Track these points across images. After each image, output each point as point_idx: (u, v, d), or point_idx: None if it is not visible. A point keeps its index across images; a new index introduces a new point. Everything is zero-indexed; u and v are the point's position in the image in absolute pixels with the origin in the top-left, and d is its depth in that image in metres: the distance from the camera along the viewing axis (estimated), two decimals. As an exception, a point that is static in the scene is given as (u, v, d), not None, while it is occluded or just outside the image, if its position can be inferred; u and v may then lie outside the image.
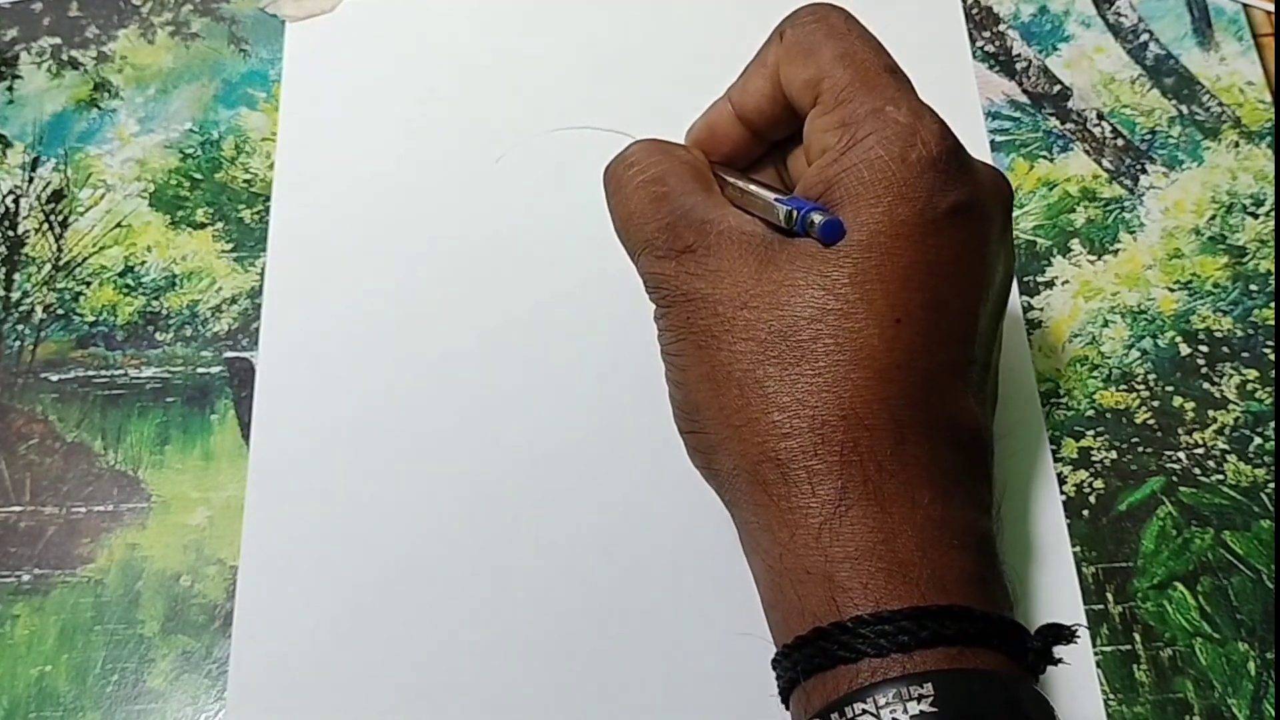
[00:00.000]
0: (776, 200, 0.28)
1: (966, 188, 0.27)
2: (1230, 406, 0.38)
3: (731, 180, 0.31)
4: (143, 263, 0.43)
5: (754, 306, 0.27)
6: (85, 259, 0.43)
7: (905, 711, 0.23)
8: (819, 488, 0.26)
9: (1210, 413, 0.38)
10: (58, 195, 0.44)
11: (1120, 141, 0.43)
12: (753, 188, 0.30)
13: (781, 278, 0.27)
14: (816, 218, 0.26)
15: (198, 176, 0.44)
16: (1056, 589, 0.36)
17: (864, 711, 0.23)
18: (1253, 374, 0.39)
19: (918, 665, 0.24)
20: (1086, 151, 0.43)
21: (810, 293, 0.26)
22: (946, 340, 0.27)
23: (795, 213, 0.27)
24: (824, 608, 0.25)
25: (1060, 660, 0.26)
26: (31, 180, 0.44)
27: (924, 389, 0.26)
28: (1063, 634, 0.26)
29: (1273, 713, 0.34)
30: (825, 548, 0.25)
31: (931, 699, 0.23)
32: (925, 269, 0.26)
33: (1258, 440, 0.38)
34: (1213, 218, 0.41)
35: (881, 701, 0.23)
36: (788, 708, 0.27)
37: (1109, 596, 0.36)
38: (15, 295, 0.42)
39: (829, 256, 0.26)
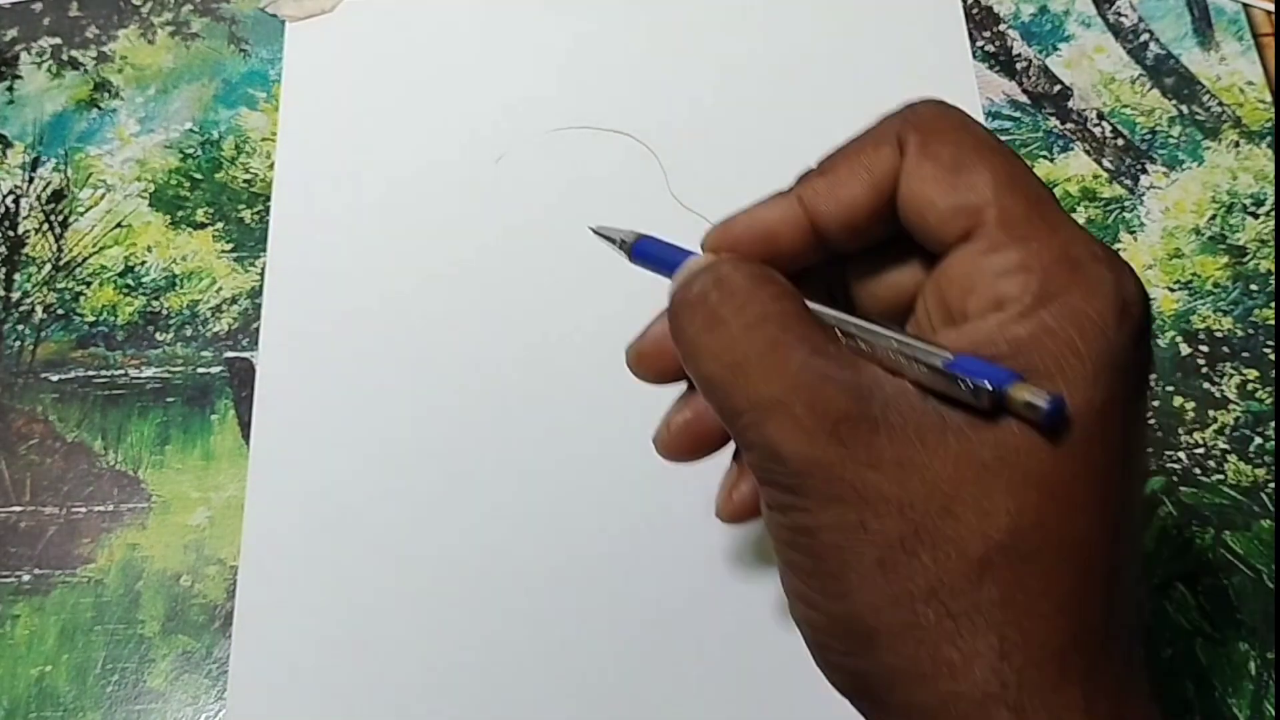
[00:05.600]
0: (955, 368, 0.21)
1: (1151, 347, 0.23)
2: (1230, 406, 0.38)
3: (856, 324, 0.24)
4: (143, 263, 0.43)
5: (958, 514, 0.21)
6: (85, 259, 0.43)
7: None
8: None
9: (1210, 413, 0.38)
10: (58, 195, 0.44)
11: (1120, 141, 0.43)
12: (905, 340, 0.23)
13: (991, 475, 0.21)
14: (1034, 400, 0.21)
15: (198, 176, 0.44)
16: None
17: None
18: (1253, 374, 0.39)
19: None
20: (1086, 151, 0.43)
21: (1031, 494, 0.21)
22: (1142, 522, 0.25)
23: (995, 389, 0.21)
24: None
25: None
26: (31, 180, 0.44)
27: (1134, 583, 0.23)
28: None
29: (1273, 713, 0.34)
30: None
31: None
32: (1135, 453, 0.23)
33: (1258, 440, 0.38)
34: (1213, 218, 0.41)
35: None
36: None
37: (1109, 596, 0.36)
38: (15, 295, 0.42)
39: (1043, 447, 0.21)
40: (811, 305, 0.24)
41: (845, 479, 0.22)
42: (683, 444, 0.28)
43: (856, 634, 0.22)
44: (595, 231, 0.31)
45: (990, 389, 0.21)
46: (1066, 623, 0.21)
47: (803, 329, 0.23)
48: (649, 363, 0.28)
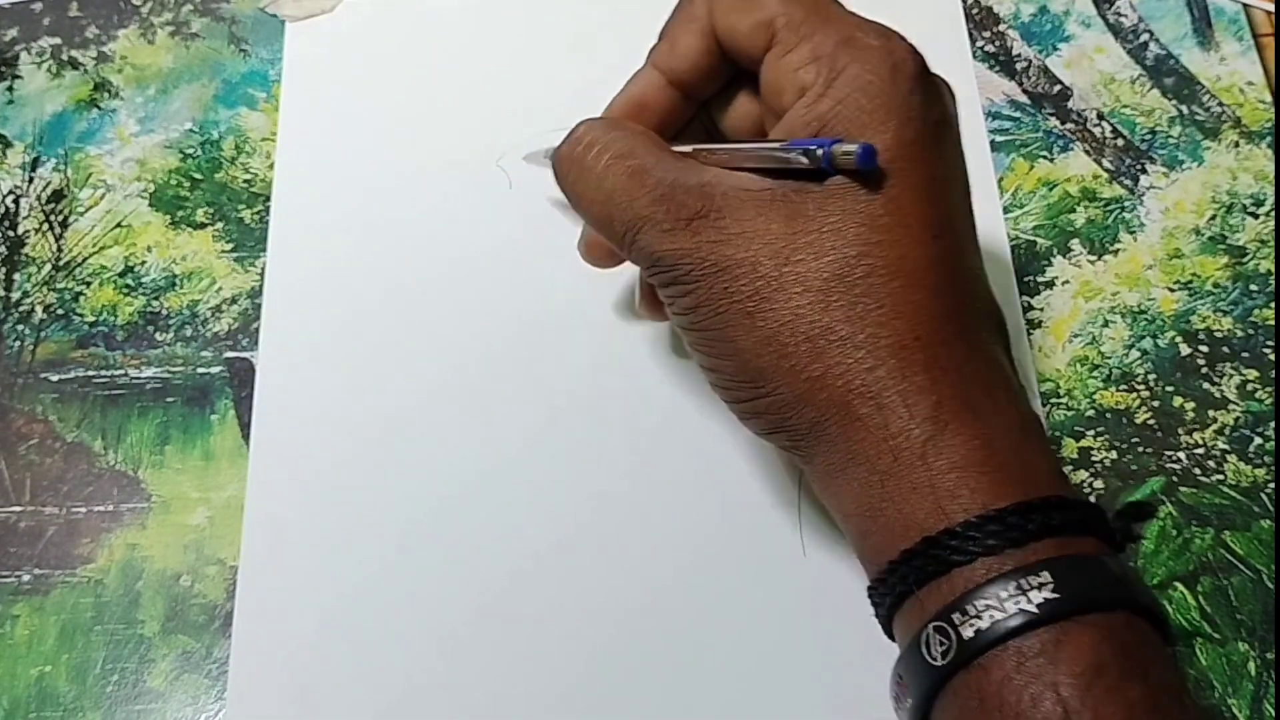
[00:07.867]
0: (784, 148, 0.27)
1: (941, 98, 0.28)
2: (1230, 406, 0.38)
3: (706, 149, 0.30)
4: (143, 263, 0.43)
5: (799, 259, 0.27)
6: (85, 259, 0.43)
7: (1030, 601, 0.24)
8: (915, 409, 0.26)
9: (1210, 413, 0.38)
10: (58, 195, 0.44)
11: (1120, 141, 0.43)
12: (742, 146, 0.29)
13: (817, 225, 0.27)
14: (848, 148, 0.26)
15: (198, 176, 0.44)
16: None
17: (988, 607, 0.24)
18: (1253, 374, 0.39)
19: (1030, 557, 0.24)
20: (1086, 151, 0.43)
21: (852, 231, 0.26)
22: (968, 243, 0.28)
23: (819, 151, 0.26)
24: (932, 518, 0.25)
25: (1141, 536, 0.27)
26: (31, 180, 0.44)
27: (971, 293, 0.28)
28: (1144, 512, 0.27)
29: (1273, 713, 0.34)
30: (930, 463, 0.26)
31: (1052, 585, 0.24)
32: (937, 182, 0.27)
33: (1258, 440, 0.38)
34: (1213, 218, 0.41)
35: (1004, 595, 0.24)
36: (890, 634, 0.27)
37: (1109, 596, 0.36)
38: (15, 295, 0.42)
39: (857, 191, 0.26)
40: (674, 147, 0.30)
41: (707, 258, 0.27)
42: (595, 254, 0.35)
43: (749, 377, 0.28)
44: (527, 160, 0.39)
45: (820, 152, 0.26)
46: (905, 325, 0.26)
47: (655, 156, 0.29)
48: (597, 250, 0.35)
